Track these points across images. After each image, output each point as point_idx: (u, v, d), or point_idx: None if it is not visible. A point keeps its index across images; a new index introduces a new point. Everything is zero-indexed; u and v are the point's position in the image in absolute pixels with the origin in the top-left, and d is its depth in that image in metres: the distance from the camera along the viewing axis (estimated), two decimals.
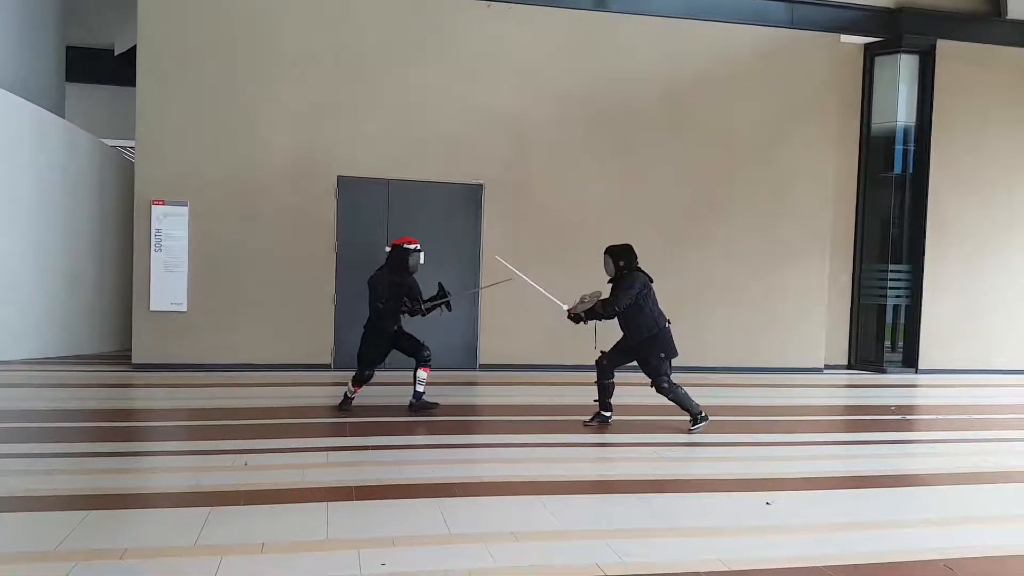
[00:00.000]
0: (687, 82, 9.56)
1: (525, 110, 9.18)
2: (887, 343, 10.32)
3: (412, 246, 6.57)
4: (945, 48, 10.10)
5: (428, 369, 6.61)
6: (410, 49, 8.89)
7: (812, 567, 3.48)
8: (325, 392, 7.53)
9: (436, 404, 6.65)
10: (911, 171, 10.30)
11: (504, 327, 9.15)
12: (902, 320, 10.36)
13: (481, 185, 9.11)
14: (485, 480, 4.63)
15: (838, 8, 9.91)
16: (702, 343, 9.42)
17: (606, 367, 6.32)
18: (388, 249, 6.68)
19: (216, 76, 8.52)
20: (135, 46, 8.58)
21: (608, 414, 6.34)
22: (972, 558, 3.68)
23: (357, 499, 4.13)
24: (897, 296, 10.32)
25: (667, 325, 6.19)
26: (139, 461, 4.97)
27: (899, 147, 10.28)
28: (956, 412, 7.85)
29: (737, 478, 4.94)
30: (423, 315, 6.69)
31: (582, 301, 6.24)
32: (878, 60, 10.23)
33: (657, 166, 9.52)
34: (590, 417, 6.35)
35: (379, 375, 8.45)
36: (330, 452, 5.17)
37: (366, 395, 7.01)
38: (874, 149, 10.36)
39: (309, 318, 8.74)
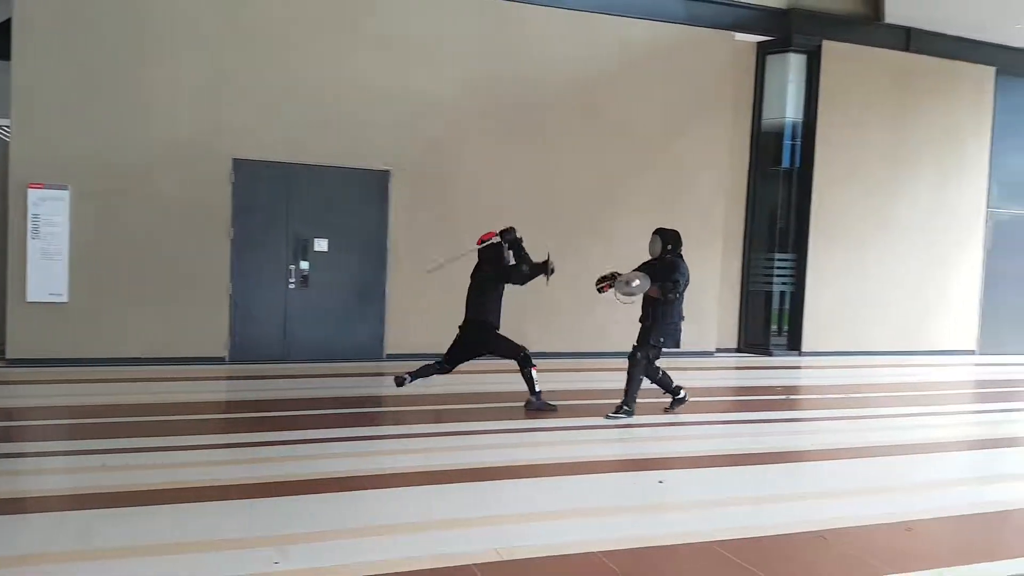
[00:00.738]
0: (593, 74, 9.70)
1: (434, 95, 9.08)
2: (773, 327, 10.85)
3: (497, 239, 6.63)
4: (830, 49, 10.64)
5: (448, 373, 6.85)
6: (314, 27, 8.63)
7: (701, 542, 3.67)
8: (219, 387, 7.30)
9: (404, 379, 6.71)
10: (798, 165, 10.82)
11: (412, 316, 9.08)
12: (787, 306, 10.92)
13: (388, 171, 8.99)
14: (386, 472, 4.61)
15: (732, 7, 10.26)
16: (605, 330, 9.63)
17: (636, 360, 6.35)
18: (478, 247, 6.77)
19: (101, 49, 8.03)
20: (10, 17, 7.99)
21: (682, 393, 6.61)
22: (845, 528, 3.96)
23: (252, 496, 4.04)
24: (783, 283, 10.86)
25: (681, 320, 6.42)
26: (11, 463, 4.65)
27: (787, 142, 10.77)
28: (835, 392, 8.37)
29: (632, 458, 5.14)
30: (521, 282, 6.60)
31: (628, 284, 6.19)
32: (769, 58, 10.67)
33: (567, 156, 9.63)
34: (668, 405, 6.63)
35: (282, 368, 8.31)
36: (223, 449, 5.03)
37: (269, 389, 6.89)
38: (764, 144, 10.83)
39: (202, 309, 8.39)
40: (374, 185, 8.96)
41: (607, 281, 6.37)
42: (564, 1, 9.46)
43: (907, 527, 4.03)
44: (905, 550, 3.75)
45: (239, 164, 8.46)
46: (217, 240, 8.41)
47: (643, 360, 6.25)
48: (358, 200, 8.94)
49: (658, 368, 6.47)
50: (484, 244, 6.66)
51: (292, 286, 8.72)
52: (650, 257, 6.44)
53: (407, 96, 8.95)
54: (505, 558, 3.32)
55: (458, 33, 9.14)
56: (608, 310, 9.66)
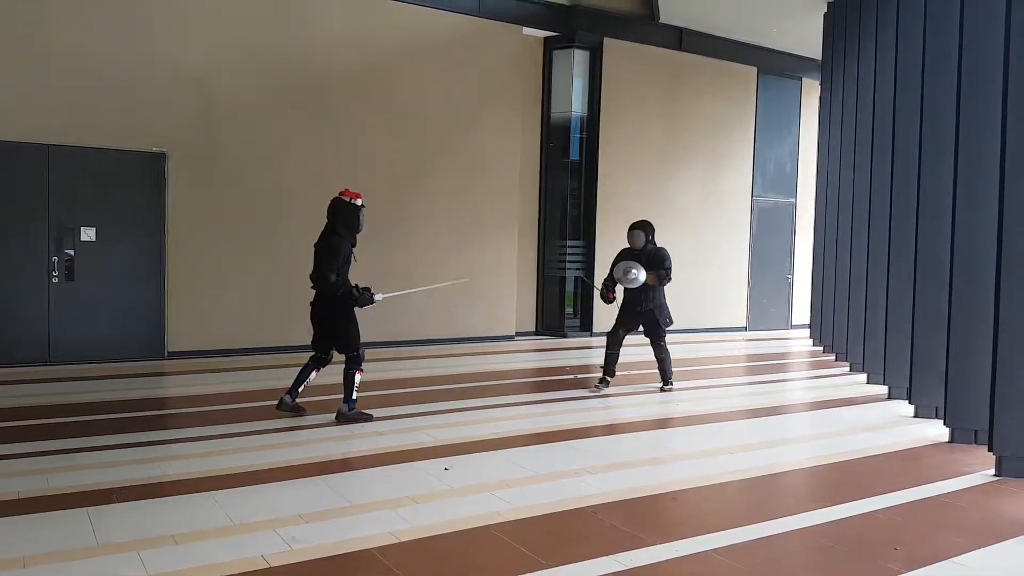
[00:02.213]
0: (384, 59, 9.53)
1: (213, 71, 8.47)
2: (568, 310, 11.35)
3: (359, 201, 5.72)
4: (611, 46, 11.21)
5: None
6: None
7: (479, 527, 3.73)
8: None
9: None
10: (585, 157, 11.35)
11: (196, 310, 8.48)
12: (580, 289, 11.44)
13: (164, 153, 8.30)
14: (151, 481, 4.26)
15: (520, 1, 10.50)
16: (406, 316, 9.59)
17: (621, 338, 7.29)
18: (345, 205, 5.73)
19: None
20: None
21: (610, 380, 7.28)
22: (616, 501, 4.20)
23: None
24: (575, 268, 11.36)
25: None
26: None
27: (575, 135, 11.26)
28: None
29: (422, 447, 5.12)
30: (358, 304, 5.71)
31: (628, 274, 7.02)
32: (556, 53, 11.07)
33: (359, 140, 9.41)
34: (598, 382, 7.31)
35: (44, 371, 7.46)
36: None
37: (27, 395, 6.13)
38: (554, 136, 11.24)
39: None
40: (149, 168, 8.26)
41: (610, 289, 7.33)
42: None
43: (672, 497, 4.35)
44: (670, 519, 4.03)
45: None
46: None
47: (665, 345, 7.26)
48: (131, 184, 8.21)
49: (618, 354, 7.32)
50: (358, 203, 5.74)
51: (55, 280, 7.85)
52: (633, 248, 7.25)
53: (182, 70, 8.31)
54: (272, 564, 3.17)
55: (235, 9, 8.60)
56: (408, 297, 9.63)
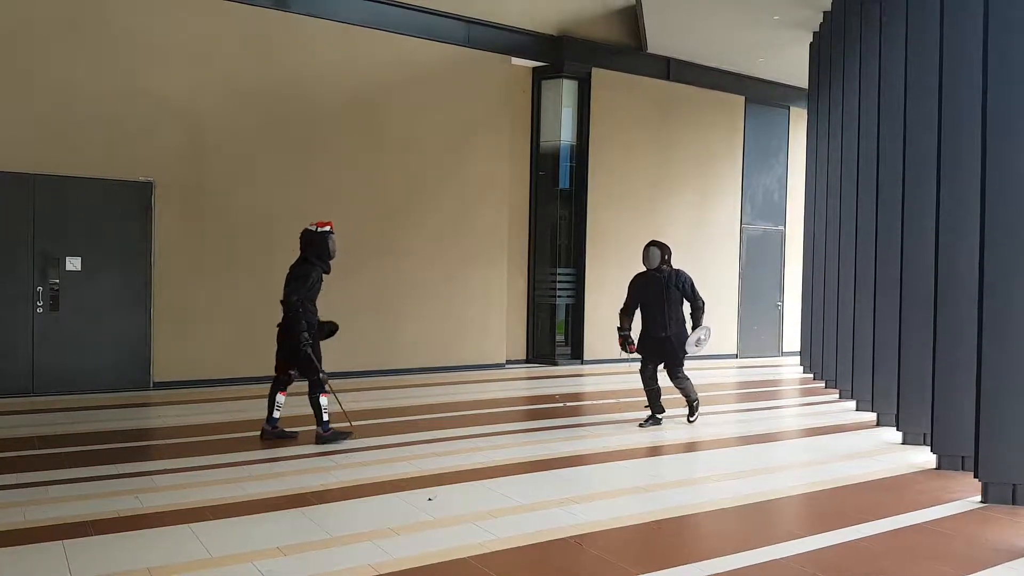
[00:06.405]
0: (372, 89, 9.62)
1: (199, 103, 8.53)
2: (559, 337, 11.34)
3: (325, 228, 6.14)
4: (599, 76, 11.34)
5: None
6: (58, 26, 7.81)
7: (461, 558, 3.67)
8: None
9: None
10: (574, 185, 11.42)
11: (182, 340, 8.44)
12: (570, 317, 11.44)
13: (151, 183, 8.32)
14: (128, 513, 4.20)
15: (509, 32, 10.64)
16: (394, 345, 9.57)
17: (652, 372, 6.90)
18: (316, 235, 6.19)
19: None
20: None
21: (661, 416, 6.96)
22: (600, 531, 4.15)
23: None
24: (567, 296, 11.37)
25: None
26: None
27: (564, 164, 11.34)
28: (610, 397, 8.82)
29: (407, 477, 5.07)
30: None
31: (698, 344, 6.90)
32: (544, 83, 11.19)
33: (346, 170, 9.45)
34: (645, 419, 6.94)
35: (29, 402, 7.39)
36: None
37: (8, 427, 6.06)
38: (543, 164, 11.32)
39: None
40: (135, 197, 8.27)
41: (628, 341, 6.99)
42: (337, 14, 9.31)
43: (657, 525, 4.30)
44: (654, 548, 3.98)
45: None
46: None
47: (684, 375, 6.90)
48: (117, 214, 8.21)
49: (659, 388, 6.98)
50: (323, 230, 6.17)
51: (40, 310, 7.81)
52: (648, 268, 6.93)
53: (169, 101, 8.36)
54: None
55: (223, 40, 8.68)
56: (397, 325, 9.64)
